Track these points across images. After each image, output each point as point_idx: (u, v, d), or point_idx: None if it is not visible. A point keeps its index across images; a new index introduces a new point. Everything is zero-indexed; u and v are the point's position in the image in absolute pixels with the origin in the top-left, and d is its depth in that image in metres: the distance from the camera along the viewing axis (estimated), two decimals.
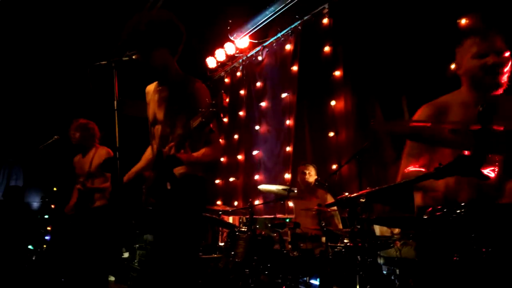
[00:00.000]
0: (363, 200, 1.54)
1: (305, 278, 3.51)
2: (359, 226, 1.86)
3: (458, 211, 1.25)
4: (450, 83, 3.47)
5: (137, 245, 5.67)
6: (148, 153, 2.42)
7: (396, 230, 3.49)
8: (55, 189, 5.62)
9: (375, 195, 1.53)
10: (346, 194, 1.60)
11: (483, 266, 1.11)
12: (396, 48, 3.99)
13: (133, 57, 2.13)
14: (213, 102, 1.72)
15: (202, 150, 2.04)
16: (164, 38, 2.12)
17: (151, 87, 2.32)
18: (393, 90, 4.03)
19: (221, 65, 6.91)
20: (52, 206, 5.72)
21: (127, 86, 2.59)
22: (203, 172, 2.20)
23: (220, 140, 2.20)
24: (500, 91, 1.89)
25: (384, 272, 3.20)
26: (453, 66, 3.43)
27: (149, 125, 2.28)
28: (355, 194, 1.57)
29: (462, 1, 3.51)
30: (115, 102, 2.16)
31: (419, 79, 3.74)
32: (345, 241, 1.84)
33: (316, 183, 4.19)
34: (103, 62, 2.13)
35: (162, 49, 2.13)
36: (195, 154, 2.01)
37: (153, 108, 2.23)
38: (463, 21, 3.46)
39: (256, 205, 4.95)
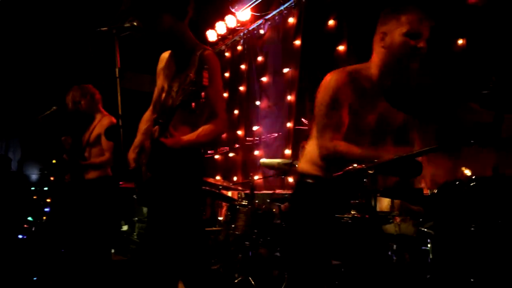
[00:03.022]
0: (371, 172, 1.53)
1: None
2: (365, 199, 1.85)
3: (472, 183, 1.24)
4: (455, 57, 3.44)
5: (136, 218, 5.69)
6: (144, 122, 2.34)
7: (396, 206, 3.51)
8: (54, 161, 5.58)
9: (384, 167, 1.51)
10: (355, 165, 1.58)
11: (499, 236, 1.10)
12: None
13: (135, 23, 2.05)
14: (194, 80, 1.67)
15: (199, 130, 1.98)
16: (164, 2, 2.02)
17: (165, 55, 2.24)
18: None
19: (222, 38, 6.77)
20: (51, 178, 5.71)
21: (127, 59, 2.52)
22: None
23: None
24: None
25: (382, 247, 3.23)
26: (460, 41, 3.42)
27: (156, 93, 2.23)
28: (363, 166, 1.55)
29: None
30: (117, 70, 2.10)
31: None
32: (352, 212, 1.85)
33: None
34: (103, 29, 2.05)
35: (165, 14, 2.03)
36: (186, 137, 1.95)
37: (162, 76, 2.18)
38: None
39: (257, 179, 4.96)
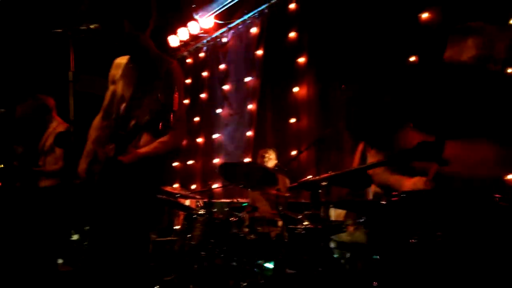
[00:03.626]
0: (325, 184, 1.56)
1: (259, 261, 3.54)
2: (319, 210, 1.90)
3: (416, 196, 1.30)
4: (409, 73, 3.61)
5: (87, 227, 5.46)
6: (94, 129, 2.27)
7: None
8: (1, 166, 5.26)
9: (337, 179, 1.55)
10: (310, 177, 1.61)
11: (439, 248, 1.16)
12: (360, 38, 4.05)
13: (91, 26, 1.99)
14: (163, 102, 1.66)
15: (156, 142, 1.97)
16: (125, 12, 1.98)
17: (122, 60, 2.17)
18: (355, 78, 4.12)
19: (184, 44, 6.71)
20: None
21: (83, 61, 2.43)
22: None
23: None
24: None
25: (336, 256, 3.30)
26: (412, 59, 3.59)
27: (111, 100, 2.16)
28: (318, 178, 1.58)
29: None
30: (71, 73, 2.03)
31: (380, 68, 3.84)
32: (306, 223, 1.88)
33: (276, 167, 4.22)
34: (58, 30, 1.98)
35: (125, 24, 1.99)
36: (143, 150, 1.94)
37: (121, 85, 2.11)
38: (424, 15, 3.58)
39: (215, 188, 4.92)
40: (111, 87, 2.19)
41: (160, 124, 1.72)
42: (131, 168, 1.90)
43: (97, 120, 2.25)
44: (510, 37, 1.74)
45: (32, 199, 3.65)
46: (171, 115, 1.70)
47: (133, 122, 1.87)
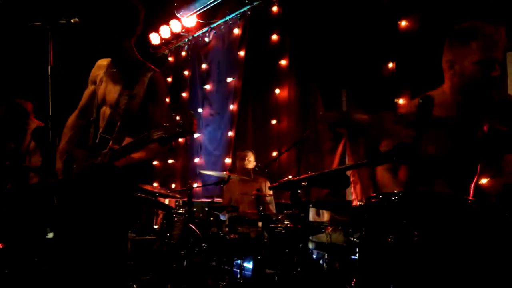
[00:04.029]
0: (305, 184, 1.59)
1: (239, 261, 3.55)
2: (298, 210, 1.93)
3: (393, 198, 1.34)
4: (385, 81, 3.71)
5: (63, 226, 5.33)
6: (69, 128, 2.24)
7: (326, 218, 3.67)
8: None
9: (317, 179, 1.59)
10: (290, 177, 1.64)
11: (415, 247, 1.20)
12: (340, 43, 4.13)
13: (72, 21, 1.97)
14: (181, 122, 1.66)
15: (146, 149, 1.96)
16: (113, 18, 1.97)
17: (103, 63, 2.16)
18: (334, 82, 4.20)
19: (165, 42, 6.66)
20: None
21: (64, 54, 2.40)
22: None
23: None
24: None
25: (314, 256, 3.35)
26: (390, 65, 3.69)
27: (89, 100, 2.14)
28: (298, 178, 1.61)
29: (403, 3, 3.71)
30: (49, 68, 2.00)
31: (358, 74, 3.92)
32: (286, 222, 1.91)
33: (256, 168, 4.25)
34: (37, 23, 1.95)
35: (112, 30, 1.98)
36: (136, 155, 1.94)
37: (104, 88, 2.09)
38: (403, 23, 3.67)
39: (195, 187, 4.91)
40: (91, 87, 2.18)
41: (173, 142, 1.75)
42: (121, 172, 1.90)
43: (72, 119, 2.23)
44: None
45: (25, 197, 3.61)
46: (187, 137, 1.72)
47: (117, 128, 1.87)
